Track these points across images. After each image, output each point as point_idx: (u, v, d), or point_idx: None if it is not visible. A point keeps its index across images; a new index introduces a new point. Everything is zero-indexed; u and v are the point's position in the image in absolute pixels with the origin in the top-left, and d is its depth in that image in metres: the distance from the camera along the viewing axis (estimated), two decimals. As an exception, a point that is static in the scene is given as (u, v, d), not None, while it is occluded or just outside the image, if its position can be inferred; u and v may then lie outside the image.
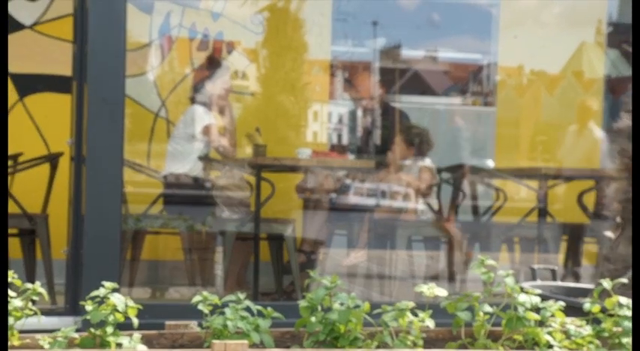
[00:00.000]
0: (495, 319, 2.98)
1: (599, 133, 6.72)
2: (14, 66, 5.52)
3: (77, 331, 2.82)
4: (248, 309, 2.91)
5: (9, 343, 2.71)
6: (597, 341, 2.99)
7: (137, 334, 2.80)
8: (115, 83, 4.12)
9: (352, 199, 6.69)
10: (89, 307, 2.78)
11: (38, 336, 2.79)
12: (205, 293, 2.94)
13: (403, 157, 6.22)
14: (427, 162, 6.14)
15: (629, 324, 2.95)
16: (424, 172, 6.08)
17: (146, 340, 2.84)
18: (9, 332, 2.72)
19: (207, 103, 5.94)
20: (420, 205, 6.04)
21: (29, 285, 2.86)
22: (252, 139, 6.07)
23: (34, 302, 2.90)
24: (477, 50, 7.79)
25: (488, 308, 2.97)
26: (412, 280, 6.01)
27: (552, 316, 3.00)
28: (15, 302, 2.79)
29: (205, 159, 5.84)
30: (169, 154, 5.93)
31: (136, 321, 2.80)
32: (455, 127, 7.98)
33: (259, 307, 2.96)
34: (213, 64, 6.51)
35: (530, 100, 7.96)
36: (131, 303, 2.80)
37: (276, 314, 2.93)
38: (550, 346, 2.94)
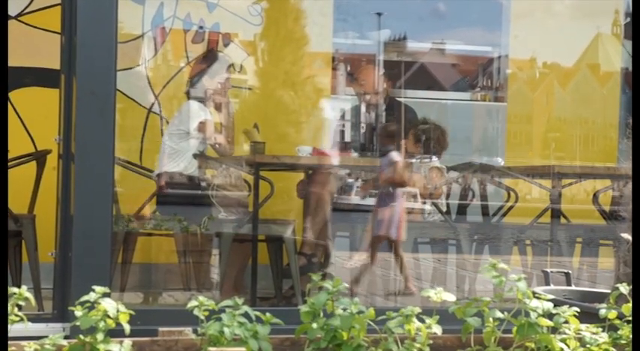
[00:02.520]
0: (506, 325, 2.98)
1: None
2: (-1, 59, 5.51)
3: (66, 338, 2.82)
4: (246, 315, 2.91)
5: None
6: (614, 349, 2.99)
7: (129, 341, 2.80)
8: (106, 77, 4.11)
9: (355, 199, 6.70)
10: (78, 312, 2.78)
11: (24, 343, 2.78)
12: (201, 298, 2.94)
13: (411, 156, 6.22)
14: (437, 162, 6.15)
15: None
16: (433, 172, 6.08)
17: (138, 348, 2.84)
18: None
19: (202, 98, 5.94)
20: (428, 206, 6.03)
21: (15, 289, 2.86)
22: (251, 136, 6.06)
23: (20, 308, 2.90)
24: (486, 42, 7.79)
25: (498, 314, 2.97)
26: (418, 284, 6.00)
27: (566, 322, 3.00)
28: (0, 307, 2.79)
29: (201, 157, 5.84)
30: (163, 151, 5.93)
31: (127, 327, 2.80)
32: (463, 123, 7.99)
33: (257, 313, 2.96)
34: (209, 57, 6.51)
35: (542, 95, 7.95)
36: (123, 308, 2.80)
37: (275, 320, 2.93)
38: (564, 354, 2.94)
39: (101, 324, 2.74)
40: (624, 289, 3.10)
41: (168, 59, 6.90)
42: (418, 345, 2.90)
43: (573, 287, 4.02)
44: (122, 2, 4.23)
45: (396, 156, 6.06)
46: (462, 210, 6.27)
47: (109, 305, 2.77)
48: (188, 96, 6.06)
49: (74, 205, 4.09)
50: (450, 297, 2.98)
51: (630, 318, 3.03)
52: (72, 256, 4.06)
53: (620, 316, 3.07)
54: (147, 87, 6.67)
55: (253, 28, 6.86)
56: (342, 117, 7.65)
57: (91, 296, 2.79)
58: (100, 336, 2.73)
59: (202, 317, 2.89)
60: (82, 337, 2.77)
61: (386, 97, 6.83)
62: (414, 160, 6.23)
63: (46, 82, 6.15)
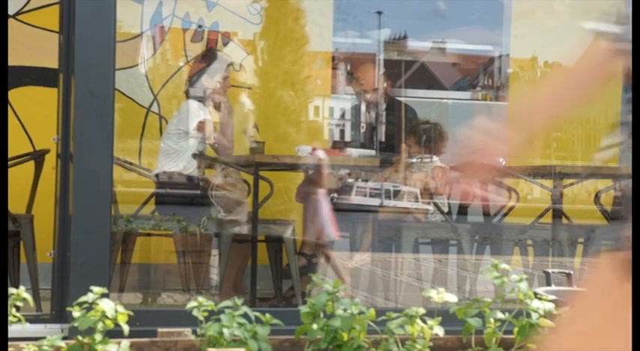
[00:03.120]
0: (507, 326, 2.98)
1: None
2: (-3, 58, 5.51)
3: (64, 338, 2.81)
4: (245, 315, 2.91)
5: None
6: (616, 349, 2.98)
7: (127, 342, 2.79)
8: (104, 76, 4.11)
9: (355, 199, 6.68)
10: (77, 313, 2.77)
11: (22, 344, 2.78)
12: (200, 299, 2.94)
13: (412, 155, 6.22)
14: (439, 161, 6.15)
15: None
16: (436, 171, 6.07)
17: (137, 348, 2.84)
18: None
19: (202, 97, 5.94)
20: (429, 206, 6.03)
21: (13, 290, 2.85)
22: (250, 136, 6.06)
23: (18, 308, 2.89)
24: (487, 41, 7.78)
25: (499, 315, 2.96)
26: (419, 285, 6.00)
27: (568, 323, 2.99)
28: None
29: (200, 157, 5.83)
30: (162, 151, 5.93)
31: (126, 328, 2.79)
32: (464, 122, 7.98)
33: (257, 314, 2.96)
34: (208, 56, 6.51)
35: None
36: (121, 309, 2.80)
37: (275, 321, 2.93)
38: (566, 355, 2.93)
39: (99, 325, 2.74)
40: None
41: (167, 58, 6.89)
42: (419, 346, 2.89)
43: (575, 288, 4.01)
44: (121, 1, 4.23)
45: (321, 154, 6.05)
46: (462, 210, 6.26)
47: (108, 306, 2.77)
48: (187, 95, 6.06)
49: (73, 205, 4.08)
50: (452, 298, 2.97)
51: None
52: (70, 257, 4.05)
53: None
54: (146, 86, 6.66)
55: (253, 27, 6.86)
56: (342, 116, 7.65)
57: (89, 297, 2.79)
58: (98, 337, 2.73)
59: (202, 318, 2.89)
60: (80, 338, 2.76)
61: (386, 97, 6.83)
62: (414, 160, 6.23)
63: (44, 82, 6.14)
